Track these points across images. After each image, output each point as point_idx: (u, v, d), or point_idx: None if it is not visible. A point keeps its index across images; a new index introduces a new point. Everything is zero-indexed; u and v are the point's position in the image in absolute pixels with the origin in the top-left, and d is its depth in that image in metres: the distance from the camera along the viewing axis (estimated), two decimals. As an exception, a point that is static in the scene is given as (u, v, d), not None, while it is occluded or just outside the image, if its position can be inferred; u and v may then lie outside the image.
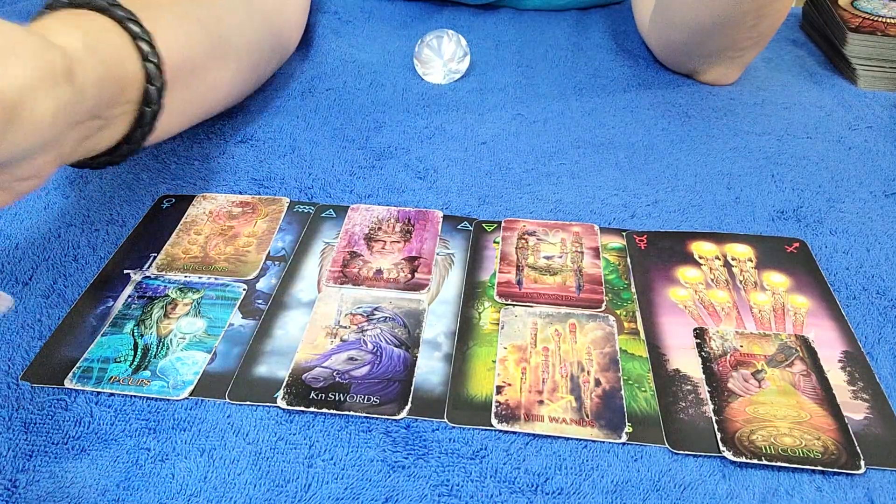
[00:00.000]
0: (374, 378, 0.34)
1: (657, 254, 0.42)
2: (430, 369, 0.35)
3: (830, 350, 0.36)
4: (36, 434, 0.32)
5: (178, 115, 0.42)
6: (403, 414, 0.33)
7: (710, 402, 0.33)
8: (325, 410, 0.33)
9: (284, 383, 0.34)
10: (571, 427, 0.32)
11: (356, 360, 0.35)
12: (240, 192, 0.47)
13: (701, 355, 0.35)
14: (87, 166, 0.39)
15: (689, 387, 0.34)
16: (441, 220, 0.45)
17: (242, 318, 0.38)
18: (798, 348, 0.36)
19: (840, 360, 0.35)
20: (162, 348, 0.36)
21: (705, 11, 0.52)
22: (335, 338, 0.36)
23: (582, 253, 0.42)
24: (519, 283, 0.40)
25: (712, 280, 0.40)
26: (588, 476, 0.30)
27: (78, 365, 0.35)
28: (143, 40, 0.36)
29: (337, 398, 0.33)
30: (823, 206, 0.46)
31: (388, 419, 0.33)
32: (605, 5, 0.76)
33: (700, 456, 0.31)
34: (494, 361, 0.35)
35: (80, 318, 0.37)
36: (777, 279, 0.40)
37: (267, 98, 0.58)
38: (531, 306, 0.38)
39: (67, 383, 0.34)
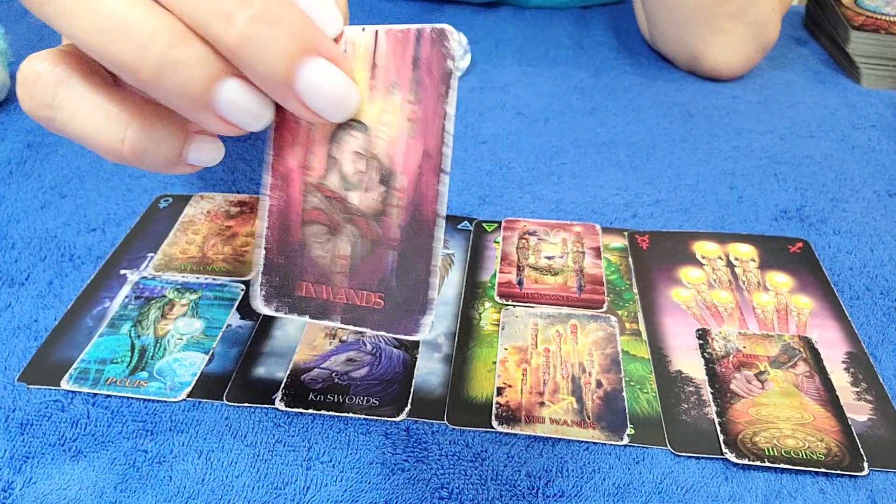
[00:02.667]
0: (374, 379, 0.34)
1: (659, 254, 0.42)
2: (429, 370, 0.34)
3: (834, 351, 0.35)
4: (32, 436, 0.32)
5: None
6: (403, 416, 0.32)
7: (712, 403, 0.33)
8: (323, 412, 0.32)
9: (283, 384, 0.34)
10: (573, 429, 0.32)
11: (355, 361, 0.35)
12: (238, 192, 0.47)
13: (703, 356, 0.35)
14: None
15: (691, 388, 0.34)
16: (441, 219, 0.45)
17: (240, 318, 0.37)
18: (801, 349, 0.35)
19: (843, 362, 0.35)
20: (159, 349, 0.35)
21: None
22: (334, 338, 0.36)
23: (583, 253, 0.42)
24: (520, 283, 0.40)
25: (715, 280, 0.40)
26: (590, 478, 0.30)
27: (74, 366, 0.34)
28: None
29: (336, 400, 0.33)
30: (827, 205, 0.46)
31: (387, 421, 0.32)
32: (606, 4, 0.76)
33: (702, 458, 0.31)
34: (495, 362, 0.35)
35: (77, 318, 0.37)
36: (780, 279, 0.40)
37: (266, 97, 0.57)
38: (532, 307, 0.38)
39: (64, 384, 0.34)
